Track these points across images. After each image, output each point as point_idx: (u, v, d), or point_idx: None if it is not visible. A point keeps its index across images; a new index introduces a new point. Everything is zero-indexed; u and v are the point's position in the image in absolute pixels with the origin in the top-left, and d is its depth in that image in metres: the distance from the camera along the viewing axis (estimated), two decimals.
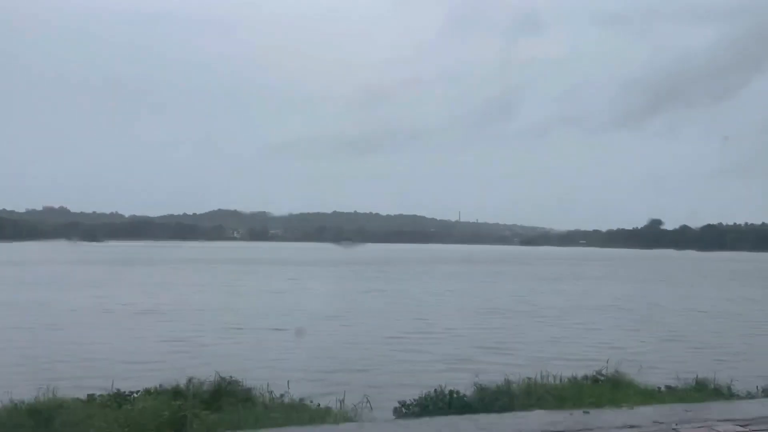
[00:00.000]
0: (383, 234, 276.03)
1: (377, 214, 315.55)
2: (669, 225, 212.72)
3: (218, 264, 63.67)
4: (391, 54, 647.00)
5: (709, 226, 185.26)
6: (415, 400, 8.50)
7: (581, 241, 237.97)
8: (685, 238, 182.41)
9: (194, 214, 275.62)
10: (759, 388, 9.67)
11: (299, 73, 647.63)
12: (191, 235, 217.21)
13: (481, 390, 8.74)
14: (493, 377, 9.43)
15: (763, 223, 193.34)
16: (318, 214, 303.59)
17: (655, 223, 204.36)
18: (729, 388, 9.79)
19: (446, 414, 6.85)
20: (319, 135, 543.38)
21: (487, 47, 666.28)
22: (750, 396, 9.01)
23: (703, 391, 9.78)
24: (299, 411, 7.68)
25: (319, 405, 8.28)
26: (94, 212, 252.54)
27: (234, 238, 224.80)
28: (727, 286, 45.99)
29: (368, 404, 8.70)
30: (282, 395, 8.57)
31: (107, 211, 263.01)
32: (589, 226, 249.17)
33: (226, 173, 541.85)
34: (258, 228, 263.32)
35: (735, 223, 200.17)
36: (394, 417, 7.84)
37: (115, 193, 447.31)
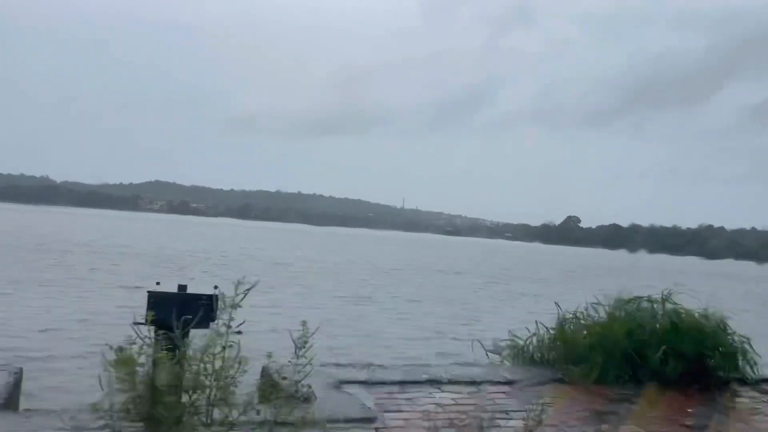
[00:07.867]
0: (316, 216, 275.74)
1: (321, 196, 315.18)
2: (592, 223, 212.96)
3: None
4: (377, 34, 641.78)
5: (614, 225, 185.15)
6: None
7: (507, 234, 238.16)
8: (589, 236, 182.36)
9: (130, 184, 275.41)
10: None
11: (275, 46, 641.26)
12: (102, 204, 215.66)
13: None
14: None
15: (674, 226, 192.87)
16: (261, 191, 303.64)
17: (572, 220, 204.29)
18: None
19: None
20: (284, 112, 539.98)
21: (473, 35, 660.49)
22: None
23: None
24: None
25: None
26: (22, 174, 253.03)
27: (152, 210, 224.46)
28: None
29: None
30: None
31: (37, 174, 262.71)
32: (536, 221, 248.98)
33: (176, 144, 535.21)
34: (185, 201, 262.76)
35: (660, 225, 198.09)
36: None
37: (51, 158, 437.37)
